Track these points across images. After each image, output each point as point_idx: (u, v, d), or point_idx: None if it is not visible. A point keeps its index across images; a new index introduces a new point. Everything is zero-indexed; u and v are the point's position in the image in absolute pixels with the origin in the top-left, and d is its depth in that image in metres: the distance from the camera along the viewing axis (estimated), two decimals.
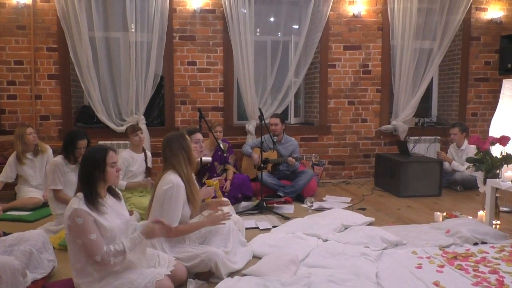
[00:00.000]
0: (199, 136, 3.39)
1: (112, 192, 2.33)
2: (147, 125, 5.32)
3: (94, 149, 2.27)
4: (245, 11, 5.37)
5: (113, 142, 5.22)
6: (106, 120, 5.24)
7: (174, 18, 5.37)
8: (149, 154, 4.25)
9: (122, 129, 5.18)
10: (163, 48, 5.30)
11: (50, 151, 4.49)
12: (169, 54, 5.39)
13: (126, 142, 4.82)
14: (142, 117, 5.29)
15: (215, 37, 5.50)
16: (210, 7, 5.45)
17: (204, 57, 5.51)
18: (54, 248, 2.83)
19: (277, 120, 4.94)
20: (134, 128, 4.18)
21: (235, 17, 5.33)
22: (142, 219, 3.66)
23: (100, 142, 5.16)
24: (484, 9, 6.05)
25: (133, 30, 5.17)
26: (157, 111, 5.71)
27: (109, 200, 2.27)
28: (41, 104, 5.23)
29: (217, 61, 5.54)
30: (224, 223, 2.84)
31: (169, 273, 2.32)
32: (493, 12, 6.04)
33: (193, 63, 5.48)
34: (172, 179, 2.63)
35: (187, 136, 2.85)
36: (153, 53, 5.22)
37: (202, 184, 3.55)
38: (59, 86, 5.24)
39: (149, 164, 4.19)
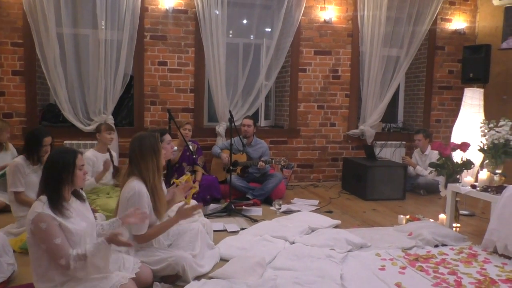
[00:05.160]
0: (168, 137, 3.36)
1: (76, 194, 2.28)
2: (115, 125, 5.22)
3: (63, 151, 2.21)
4: (217, 13, 5.37)
5: (79, 142, 5.10)
6: (72, 119, 5.11)
7: (146, 17, 5.31)
8: (114, 153, 4.16)
9: (89, 128, 5.07)
10: (134, 47, 5.22)
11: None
12: (140, 54, 5.31)
13: (94, 142, 4.72)
14: (111, 116, 5.19)
15: (187, 38, 5.47)
16: (183, 8, 5.42)
17: (175, 57, 5.46)
18: (14, 251, 2.75)
19: (250, 122, 4.96)
20: (110, 126, 4.13)
21: (208, 19, 5.32)
22: None
23: (67, 142, 5.03)
24: (449, 20, 6.29)
25: (103, 27, 5.08)
26: (126, 111, 5.61)
27: (73, 203, 2.22)
28: (4, 101, 5.05)
29: (189, 62, 5.51)
30: (194, 214, 2.77)
31: (134, 276, 2.29)
32: (457, 23, 6.28)
33: (164, 63, 5.43)
34: (134, 186, 2.55)
35: (159, 141, 2.75)
36: (123, 51, 5.13)
37: (170, 185, 3.52)
38: (23, 83, 5.07)
39: (116, 163, 4.11)
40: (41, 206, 2.06)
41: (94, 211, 2.88)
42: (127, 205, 2.54)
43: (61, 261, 2.01)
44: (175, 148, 4.41)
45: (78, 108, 5.17)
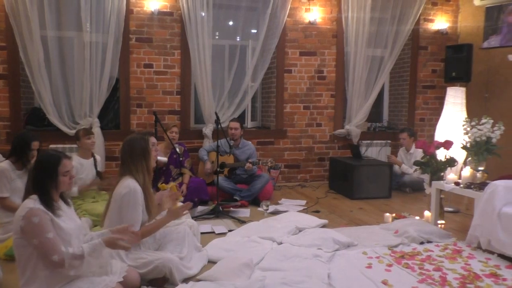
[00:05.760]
0: (154, 139, 3.36)
1: (62, 198, 2.29)
2: (102, 128, 5.19)
3: (47, 155, 2.21)
4: (203, 15, 5.37)
5: (65, 145, 5.05)
6: (58, 122, 5.06)
7: (131, 19, 5.29)
8: (98, 157, 4.10)
9: (74, 132, 5.01)
10: (119, 50, 5.19)
11: None
12: (125, 56, 5.29)
13: None
14: (96, 120, 5.15)
15: (173, 40, 5.47)
16: (168, 10, 5.41)
17: (161, 59, 5.45)
18: None
19: (237, 125, 4.97)
20: (88, 131, 4.07)
21: (193, 20, 5.32)
22: (95, 225, 3.58)
23: (52, 146, 4.98)
24: (432, 20, 6.39)
25: (88, 30, 5.04)
26: (112, 114, 5.58)
27: (62, 205, 2.23)
28: None
29: (175, 64, 5.51)
30: (187, 213, 2.88)
31: (122, 280, 2.29)
32: (440, 23, 6.38)
33: (149, 66, 5.41)
34: (129, 184, 2.63)
35: (150, 143, 2.82)
36: (108, 54, 5.10)
37: (157, 189, 3.52)
38: (7, 86, 5.00)
39: (99, 168, 4.06)
40: (32, 202, 2.08)
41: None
42: (121, 202, 2.59)
43: (54, 257, 2.01)
44: (165, 159, 4.41)
45: (63, 112, 5.12)
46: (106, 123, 5.51)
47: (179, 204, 3.53)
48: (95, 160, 4.03)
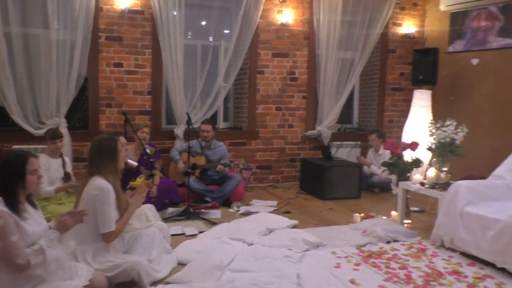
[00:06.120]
0: (123, 140, 3.32)
1: (29, 201, 2.23)
2: (69, 128, 5.06)
3: (13, 155, 2.16)
4: (175, 14, 5.32)
5: (30, 146, 4.87)
6: (22, 122, 4.90)
7: (100, 17, 5.18)
8: (67, 159, 4.02)
9: (40, 132, 4.88)
10: (88, 48, 5.08)
11: None
12: (94, 55, 5.18)
13: (45, 146, 4.55)
14: (64, 120, 5.02)
15: (144, 39, 5.39)
16: (139, 8, 5.33)
17: (131, 59, 5.36)
18: None
19: (209, 127, 4.95)
20: (53, 135, 3.95)
21: (165, 20, 5.26)
22: None
23: (15, 147, 4.81)
24: (400, 25, 6.55)
25: (55, 27, 4.90)
26: (80, 114, 5.46)
27: (28, 208, 2.18)
28: None
29: (146, 64, 5.43)
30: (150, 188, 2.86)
31: (88, 283, 2.25)
32: (407, 27, 6.55)
33: (120, 65, 5.32)
34: (100, 183, 2.62)
35: (119, 144, 2.79)
36: (76, 52, 4.98)
37: (126, 189, 3.47)
38: None
39: (68, 170, 3.98)
40: None
41: (48, 220, 2.80)
42: (94, 203, 2.58)
43: (18, 260, 1.97)
44: (135, 164, 4.34)
45: (28, 111, 4.95)
46: (74, 123, 5.38)
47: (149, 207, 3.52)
48: (63, 161, 3.96)
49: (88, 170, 2.75)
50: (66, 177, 3.91)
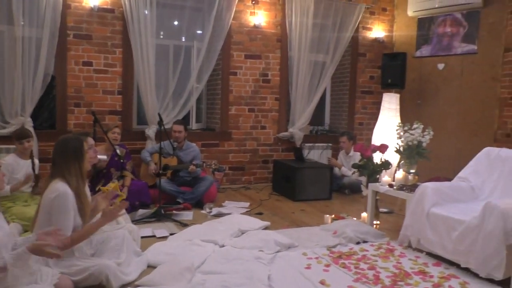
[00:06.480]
0: (91, 141, 3.23)
1: None
2: (35, 128, 4.90)
3: None
4: (147, 13, 5.25)
5: None
6: None
7: (69, 14, 5.05)
8: (36, 161, 3.90)
9: (4, 132, 4.71)
10: (55, 46, 4.94)
11: None
12: (62, 53, 5.04)
13: (9, 146, 4.40)
14: (29, 119, 4.86)
15: (114, 38, 5.29)
16: (109, 6, 5.23)
17: (101, 57, 5.25)
18: None
19: (181, 128, 4.90)
20: (19, 135, 3.81)
21: (136, 19, 5.18)
22: (26, 230, 3.38)
23: None
24: (370, 29, 6.70)
25: (21, 23, 4.74)
26: (47, 113, 5.30)
27: None
28: None
29: (116, 63, 5.33)
30: (124, 213, 2.73)
31: None
32: (377, 32, 6.70)
33: (89, 64, 5.20)
34: (58, 187, 2.48)
35: (85, 145, 2.69)
36: (43, 50, 4.83)
37: (96, 192, 3.39)
38: None
39: (37, 172, 3.85)
40: None
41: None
42: (51, 208, 2.45)
43: None
44: (105, 157, 4.24)
45: None
46: (41, 122, 5.22)
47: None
48: (33, 162, 3.82)
49: (51, 171, 2.62)
50: (36, 179, 3.78)
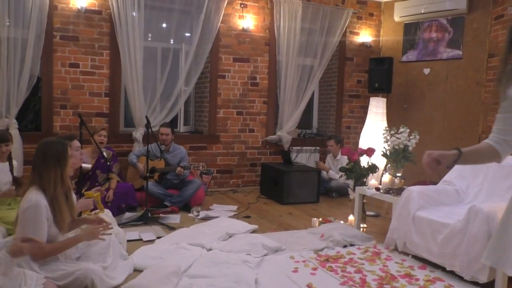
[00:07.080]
0: (77, 143, 3.20)
1: None
2: (20, 130, 4.84)
3: None
4: (135, 15, 5.22)
5: None
6: None
7: (55, 16, 5.00)
8: (15, 163, 3.81)
9: None
10: (41, 47, 4.88)
11: None
12: (48, 54, 4.99)
13: None
14: (14, 121, 4.79)
15: (101, 40, 5.25)
16: (96, 8, 5.19)
17: (88, 59, 5.21)
18: None
19: (168, 130, 4.88)
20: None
21: (124, 21, 5.15)
22: (9, 234, 3.32)
23: None
24: (357, 33, 6.76)
25: (6, 24, 4.67)
26: (33, 115, 5.23)
27: None
28: None
29: (103, 65, 5.29)
30: (104, 239, 2.69)
31: None
32: (364, 36, 6.77)
33: (75, 65, 5.15)
34: (31, 198, 2.39)
35: (68, 149, 2.62)
36: (29, 51, 4.77)
37: (81, 195, 3.36)
38: None
39: (16, 174, 3.78)
40: None
41: None
42: (23, 218, 2.39)
43: None
44: (89, 166, 4.21)
45: None
46: (26, 124, 5.15)
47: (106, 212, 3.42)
48: (11, 164, 3.76)
49: (30, 176, 2.51)
50: (15, 181, 3.71)
